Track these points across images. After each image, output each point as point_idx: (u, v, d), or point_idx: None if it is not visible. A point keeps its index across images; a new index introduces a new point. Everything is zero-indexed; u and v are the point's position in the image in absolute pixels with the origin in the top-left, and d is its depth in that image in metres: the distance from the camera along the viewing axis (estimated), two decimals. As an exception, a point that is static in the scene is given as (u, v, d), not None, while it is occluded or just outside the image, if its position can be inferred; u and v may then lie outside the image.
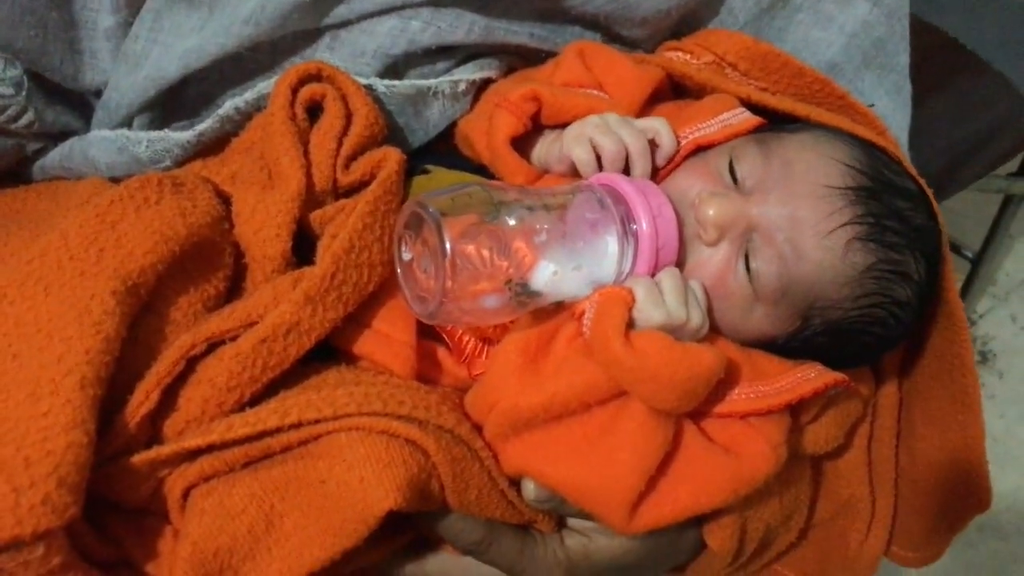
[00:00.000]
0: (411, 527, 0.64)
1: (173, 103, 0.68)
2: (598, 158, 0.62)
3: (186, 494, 0.55)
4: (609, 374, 0.55)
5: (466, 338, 0.63)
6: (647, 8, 0.69)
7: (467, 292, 0.53)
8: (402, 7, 0.65)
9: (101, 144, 0.66)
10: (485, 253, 0.53)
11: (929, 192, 0.67)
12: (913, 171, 0.68)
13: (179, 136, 0.65)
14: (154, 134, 0.66)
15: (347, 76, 0.64)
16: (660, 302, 0.56)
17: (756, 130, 0.66)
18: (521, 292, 0.55)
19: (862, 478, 0.76)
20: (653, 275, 0.58)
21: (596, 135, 0.61)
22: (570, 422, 0.57)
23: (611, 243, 0.57)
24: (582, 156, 0.61)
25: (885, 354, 0.71)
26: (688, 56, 0.71)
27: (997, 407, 1.78)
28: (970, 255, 1.81)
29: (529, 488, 0.59)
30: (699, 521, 0.66)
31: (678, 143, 0.63)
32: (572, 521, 0.65)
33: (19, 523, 0.46)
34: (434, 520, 0.60)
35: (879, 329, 0.64)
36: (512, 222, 0.54)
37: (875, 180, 0.61)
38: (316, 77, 0.63)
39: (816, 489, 0.75)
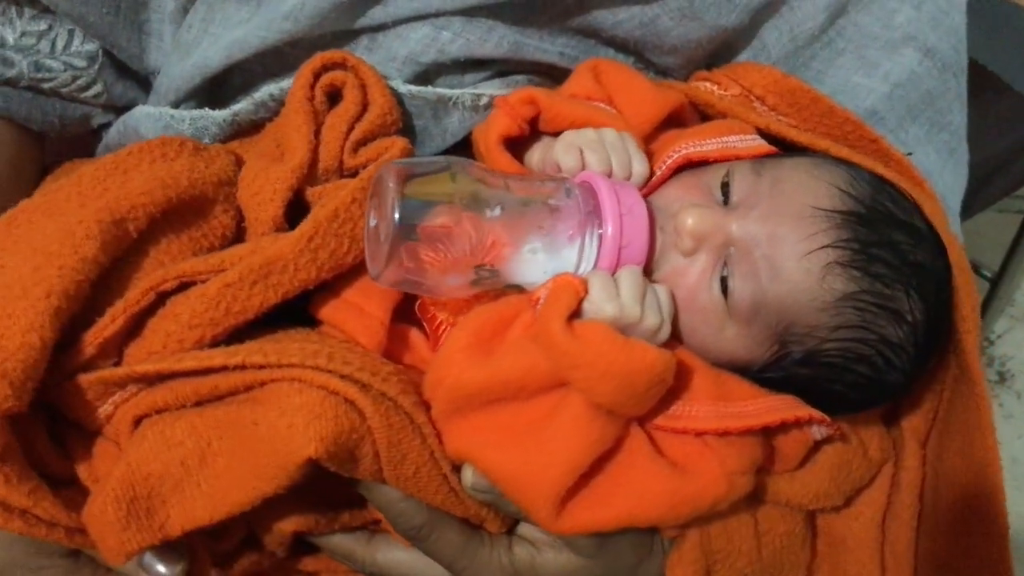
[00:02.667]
0: (364, 511, 0.64)
1: (217, 91, 0.73)
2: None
3: (137, 424, 0.57)
4: (549, 359, 0.53)
5: (442, 325, 0.63)
6: (676, 37, 0.70)
7: (414, 260, 0.54)
8: (436, 15, 0.68)
9: (147, 121, 0.72)
10: (439, 225, 0.54)
11: (950, 243, 0.62)
12: (951, 233, 0.64)
13: (217, 115, 0.70)
14: (196, 112, 0.71)
15: (370, 68, 0.67)
16: (614, 296, 0.55)
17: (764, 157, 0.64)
18: (471, 270, 0.55)
19: (872, 556, 0.70)
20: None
21: (586, 149, 0.61)
22: (513, 408, 0.56)
23: (570, 243, 0.57)
24: (569, 164, 0.61)
25: (881, 402, 0.65)
26: (715, 87, 0.71)
27: (1015, 428, 1.84)
28: (988, 275, 1.83)
29: (467, 474, 0.58)
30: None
31: (651, 172, 0.63)
32: (523, 529, 0.63)
33: (-45, 404, 0.49)
34: (377, 495, 0.60)
35: (866, 369, 0.60)
36: (471, 198, 0.55)
37: (870, 208, 0.59)
38: (341, 66, 0.67)
39: (814, 556, 0.69)
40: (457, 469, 0.58)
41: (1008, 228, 1.73)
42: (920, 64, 0.73)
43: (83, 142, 0.81)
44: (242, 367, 0.55)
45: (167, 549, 0.60)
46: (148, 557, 0.60)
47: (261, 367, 0.55)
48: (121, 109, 0.78)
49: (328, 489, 0.63)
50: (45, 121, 0.75)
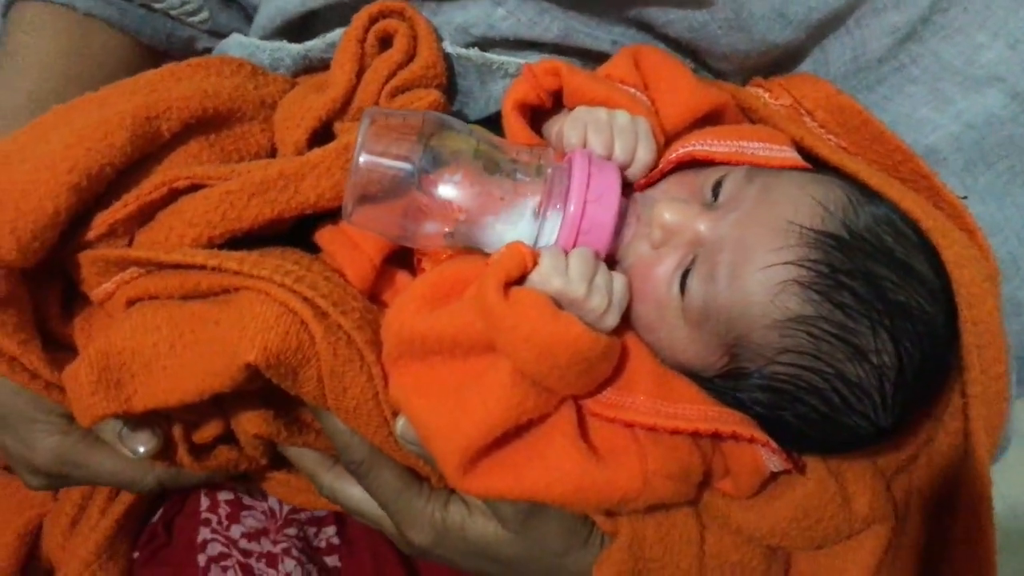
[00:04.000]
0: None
1: (298, 33, 0.78)
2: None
3: (131, 305, 0.63)
4: (481, 319, 0.54)
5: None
6: (725, 45, 0.68)
7: (377, 205, 0.56)
8: None
9: (236, 48, 0.78)
10: (398, 172, 0.56)
11: (976, 299, 0.57)
12: (985, 289, 0.58)
13: (291, 47, 0.75)
14: (275, 44, 0.76)
15: (425, 22, 0.69)
16: (562, 271, 0.55)
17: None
18: (428, 228, 0.57)
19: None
20: None
21: (591, 127, 0.60)
22: (450, 365, 0.57)
23: (533, 215, 0.57)
24: (571, 140, 0.61)
25: (846, 447, 0.60)
26: (766, 94, 0.68)
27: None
28: None
29: (399, 423, 0.59)
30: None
31: (657, 160, 0.61)
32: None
33: (-36, 246, 0.56)
34: (325, 421, 0.62)
35: (818, 403, 0.56)
36: (437, 155, 0.56)
37: (856, 236, 0.55)
38: (400, 15, 0.70)
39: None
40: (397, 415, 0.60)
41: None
42: (1005, 108, 0.66)
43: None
44: (219, 269, 0.59)
45: (144, 427, 0.65)
46: (125, 431, 0.65)
47: (236, 273, 0.59)
48: (224, 36, 0.85)
49: (297, 406, 0.66)
50: (155, 36, 0.82)
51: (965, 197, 0.64)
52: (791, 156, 0.62)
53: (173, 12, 0.81)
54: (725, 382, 0.58)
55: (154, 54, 0.85)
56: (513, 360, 0.53)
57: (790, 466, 0.58)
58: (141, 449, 0.65)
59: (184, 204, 0.62)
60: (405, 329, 0.56)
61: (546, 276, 0.55)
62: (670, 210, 0.57)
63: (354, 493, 0.66)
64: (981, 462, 0.60)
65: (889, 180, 0.61)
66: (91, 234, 0.62)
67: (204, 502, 0.78)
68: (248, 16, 0.85)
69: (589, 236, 0.57)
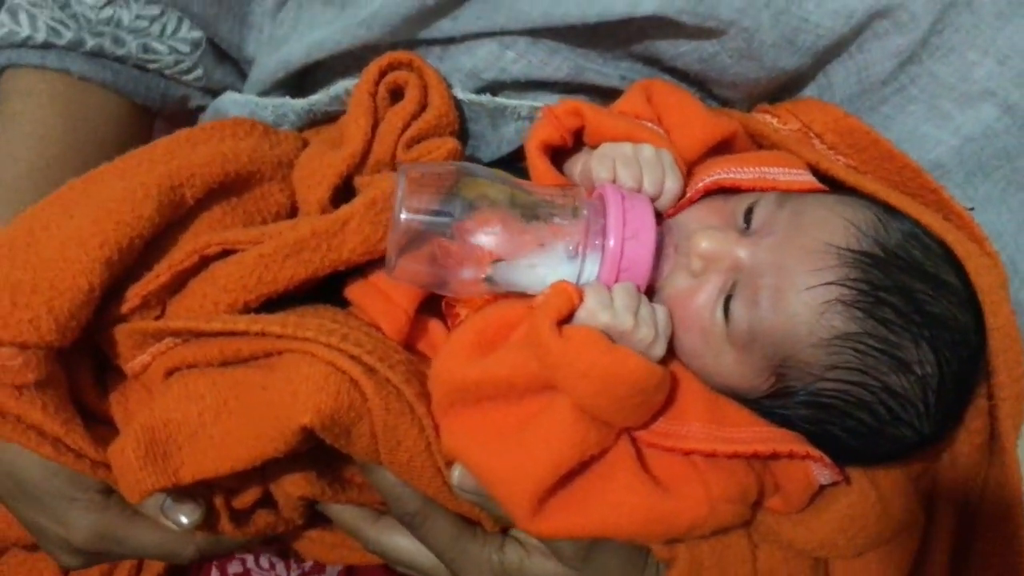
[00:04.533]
0: (374, 491, 0.67)
1: (300, 84, 0.78)
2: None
3: (169, 375, 0.62)
4: (537, 359, 0.55)
5: (459, 320, 0.65)
6: (735, 74, 0.70)
7: (421, 256, 0.57)
8: (501, 33, 0.70)
9: (235, 107, 0.78)
10: (438, 229, 0.57)
11: (996, 305, 0.59)
12: (1001, 296, 0.60)
13: (295, 103, 0.75)
14: (277, 100, 0.76)
15: (433, 71, 0.70)
16: (608, 305, 0.56)
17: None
18: (474, 273, 0.58)
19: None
20: None
21: (619, 162, 0.62)
22: (504, 408, 0.57)
23: (573, 255, 0.58)
24: (601, 175, 0.62)
25: (892, 457, 0.62)
26: (774, 120, 0.70)
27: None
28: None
29: (455, 473, 0.59)
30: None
31: (684, 191, 0.63)
32: (516, 532, 0.64)
33: (4, 328, 0.56)
34: (375, 476, 0.62)
35: (867, 416, 0.58)
36: (473, 205, 0.57)
37: (889, 253, 0.57)
38: (407, 66, 0.71)
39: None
40: (451, 465, 0.60)
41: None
42: (998, 120, 0.69)
43: (183, 122, 0.88)
44: (262, 334, 0.59)
45: (186, 498, 0.65)
46: (168, 503, 0.64)
47: (279, 336, 0.59)
48: (218, 93, 0.85)
49: (340, 464, 0.66)
50: (148, 96, 0.82)
51: (972, 208, 0.67)
52: (809, 179, 0.64)
53: (168, 72, 0.81)
54: (771, 401, 0.59)
55: (147, 114, 0.85)
56: (573, 396, 0.54)
57: (840, 477, 0.59)
58: (185, 520, 0.64)
59: (217, 270, 0.62)
60: (457, 378, 0.57)
61: (593, 312, 0.56)
62: (708, 239, 0.59)
63: (404, 544, 0.66)
64: (1011, 461, 0.63)
65: (904, 197, 0.64)
66: (124, 307, 0.61)
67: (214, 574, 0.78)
68: (241, 72, 0.85)
69: (629, 272, 0.58)
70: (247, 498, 0.67)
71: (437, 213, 0.57)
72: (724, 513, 0.57)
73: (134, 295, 0.61)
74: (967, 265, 0.60)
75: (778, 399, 0.59)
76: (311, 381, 0.57)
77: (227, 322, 0.59)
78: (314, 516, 0.72)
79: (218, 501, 0.66)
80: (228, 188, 0.65)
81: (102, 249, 0.58)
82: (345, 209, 0.62)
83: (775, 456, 0.57)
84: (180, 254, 0.62)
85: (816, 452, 0.57)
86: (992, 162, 0.71)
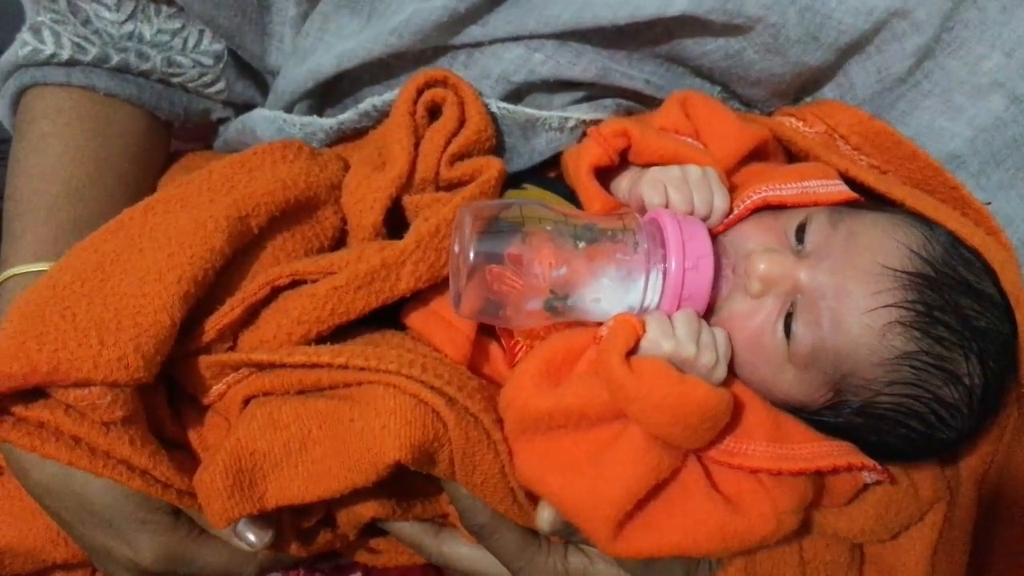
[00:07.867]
0: (435, 504, 0.69)
1: (327, 95, 0.79)
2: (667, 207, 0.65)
3: (246, 403, 0.63)
4: (608, 391, 0.58)
5: (518, 344, 0.67)
6: (760, 70, 0.72)
7: (486, 295, 0.59)
8: (530, 37, 0.72)
9: (263, 123, 0.78)
10: (503, 265, 0.59)
11: (1020, 299, 0.65)
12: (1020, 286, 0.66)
13: (324, 122, 0.76)
14: (305, 119, 0.76)
15: (469, 87, 0.71)
16: (670, 334, 0.59)
17: (844, 204, 0.67)
18: (535, 307, 0.60)
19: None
20: None
21: (671, 186, 0.64)
22: (575, 436, 0.60)
23: (635, 284, 0.61)
24: (653, 200, 0.64)
25: (933, 456, 0.68)
26: (800, 123, 0.74)
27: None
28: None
29: (544, 515, 0.62)
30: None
31: (731, 208, 0.66)
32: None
33: (95, 368, 0.56)
34: (451, 489, 0.65)
35: (918, 424, 0.63)
36: (536, 240, 0.59)
37: (939, 272, 0.61)
38: (442, 83, 0.72)
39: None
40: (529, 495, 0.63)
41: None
42: (1007, 110, 0.73)
43: (203, 133, 0.87)
44: (345, 367, 0.61)
45: (258, 519, 0.66)
46: (242, 524, 0.66)
47: (362, 369, 0.61)
48: (239, 105, 0.84)
49: (406, 481, 0.68)
50: (172, 111, 0.81)
51: (989, 203, 0.72)
52: (844, 189, 0.68)
53: (191, 85, 0.80)
54: (827, 412, 0.64)
55: (167, 129, 0.84)
56: (646, 426, 0.57)
57: (885, 477, 0.64)
58: (256, 541, 0.66)
59: (289, 302, 0.63)
60: (530, 408, 0.59)
61: (655, 341, 0.59)
62: (767, 262, 0.62)
63: (468, 553, 0.69)
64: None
65: (928, 201, 0.68)
66: (201, 340, 0.62)
67: None
68: (262, 84, 0.84)
69: (690, 300, 0.61)
70: (314, 519, 0.69)
71: (503, 251, 0.59)
72: (788, 524, 0.61)
73: (210, 328, 0.62)
74: (998, 259, 0.64)
75: (833, 410, 0.63)
76: (399, 415, 0.59)
77: (310, 355, 0.61)
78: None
79: (286, 522, 0.68)
80: (289, 214, 0.66)
81: (180, 284, 0.59)
82: (411, 238, 0.64)
83: (835, 471, 0.62)
84: (252, 286, 0.63)
85: (870, 462, 0.62)
86: (1003, 151, 0.74)
